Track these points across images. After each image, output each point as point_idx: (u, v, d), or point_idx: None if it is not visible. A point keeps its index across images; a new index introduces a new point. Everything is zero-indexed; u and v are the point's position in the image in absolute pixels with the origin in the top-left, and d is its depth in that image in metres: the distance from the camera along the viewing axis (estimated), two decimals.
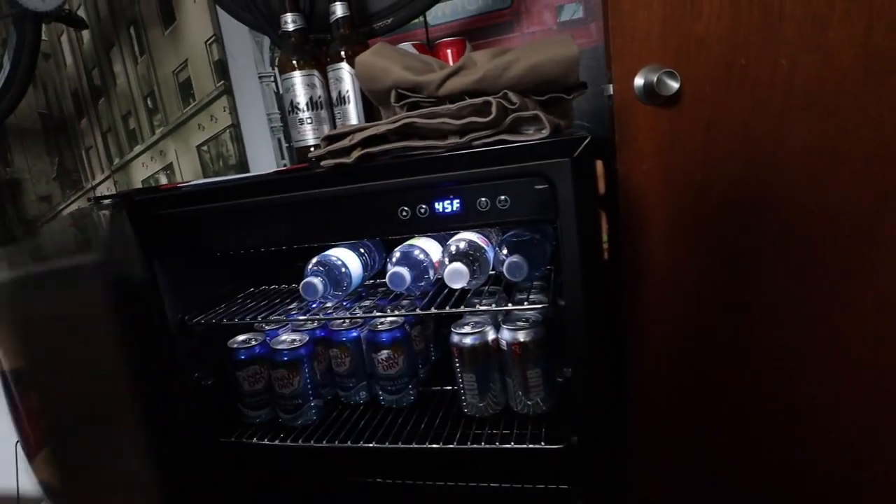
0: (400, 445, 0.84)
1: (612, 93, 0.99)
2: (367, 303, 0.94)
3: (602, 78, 1.14)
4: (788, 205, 0.99)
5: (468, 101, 0.65)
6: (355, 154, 0.70)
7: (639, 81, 0.97)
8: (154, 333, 0.84)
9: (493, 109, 0.63)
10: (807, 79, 0.95)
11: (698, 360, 1.09)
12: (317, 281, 0.81)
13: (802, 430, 1.08)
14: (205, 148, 1.44)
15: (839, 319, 1.00)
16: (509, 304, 0.78)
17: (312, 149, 0.96)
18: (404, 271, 0.78)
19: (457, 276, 0.74)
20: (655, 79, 0.92)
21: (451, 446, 0.82)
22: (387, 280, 0.78)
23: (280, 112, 1.35)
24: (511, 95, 0.65)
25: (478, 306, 0.79)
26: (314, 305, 0.92)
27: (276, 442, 0.90)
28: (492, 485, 0.97)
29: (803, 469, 1.10)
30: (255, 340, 0.94)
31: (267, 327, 1.01)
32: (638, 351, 1.11)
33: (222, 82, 1.38)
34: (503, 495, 0.96)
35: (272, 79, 1.34)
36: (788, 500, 1.12)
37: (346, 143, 0.70)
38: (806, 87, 0.95)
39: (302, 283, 0.81)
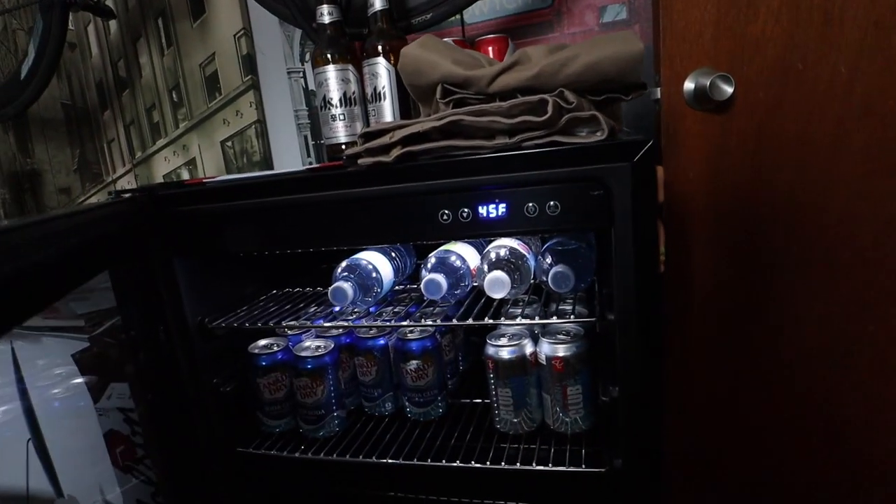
0: (428, 463, 0.80)
1: (659, 97, 0.94)
2: (395, 309, 0.89)
3: (648, 82, 1.09)
4: (839, 219, 0.94)
5: (521, 98, 0.60)
6: (395, 152, 0.66)
7: (689, 85, 0.92)
8: (172, 335, 0.80)
9: (550, 109, 0.59)
10: (866, 86, 0.90)
11: (736, 380, 1.04)
12: (347, 286, 0.76)
13: (840, 454, 1.02)
14: (229, 143, 1.41)
15: (885, 336, 0.95)
16: (554, 318, 0.73)
17: (344, 146, 0.92)
18: (441, 278, 0.73)
19: (498, 284, 0.70)
20: (708, 83, 0.87)
21: (482, 466, 0.77)
22: (422, 287, 0.74)
23: (307, 109, 1.32)
24: (568, 94, 0.61)
25: (519, 318, 0.75)
26: (335, 310, 0.88)
27: (297, 454, 0.86)
28: None
29: (838, 492, 1.04)
30: (278, 346, 0.90)
31: (290, 332, 0.97)
32: (677, 369, 1.06)
33: (250, 77, 1.34)
34: None
35: (301, 74, 1.30)
36: None
37: (386, 140, 0.66)
38: (865, 94, 0.90)
39: (331, 287, 0.77)
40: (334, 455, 0.84)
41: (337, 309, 0.88)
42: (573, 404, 0.78)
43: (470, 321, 0.76)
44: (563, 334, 0.78)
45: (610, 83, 0.63)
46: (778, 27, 0.91)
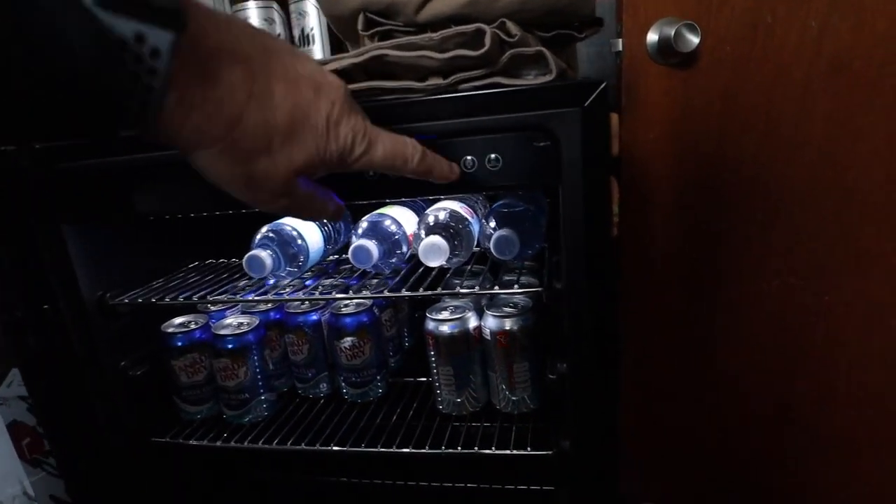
0: (363, 448, 0.72)
1: (620, 49, 0.86)
2: (334, 281, 0.80)
3: (608, 33, 1.01)
4: (803, 185, 0.89)
5: (455, 28, 0.51)
6: None
7: (653, 36, 0.84)
8: (64, 315, 0.69)
9: (487, 41, 0.50)
10: (836, 44, 0.84)
11: (695, 353, 1.00)
12: (264, 255, 0.67)
13: (797, 428, 1.00)
14: None
15: (844, 307, 0.92)
16: (496, 287, 0.66)
17: None
18: (371, 245, 0.65)
19: (433, 251, 0.61)
20: (673, 32, 0.80)
21: (421, 451, 0.70)
22: (349, 255, 0.65)
23: None
24: (510, 26, 0.52)
25: (458, 288, 0.67)
26: (269, 283, 0.79)
27: (219, 443, 0.77)
28: (469, 485, 0.86)
29: (795, 468, 1.03)
30: (196, 324, 0.80)
31: (212, 308, 0.87)
32: (631, 342, 1.01)
33: None
34: (481, 496, 0.85)
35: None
36: (781, 497, 1.05)
37: None
38: (834, 53, 0.84)
39: (246, 256, 0.67)
40: (260, 443, 0.76)
41: (271, 282, 0.78)
42: (520, 382, 0.71)
43: (404, 292, 0.68)
44: (510, 307, 0.71)
45: (559, 14, 0.54)
46: None
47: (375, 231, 0.68)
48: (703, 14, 0.83)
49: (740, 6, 0.84)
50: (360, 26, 0.56)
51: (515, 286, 0.66)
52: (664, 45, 0.82)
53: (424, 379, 0.88)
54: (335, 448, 0.73)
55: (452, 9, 0.52)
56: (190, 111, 0.27)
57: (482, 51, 0.50)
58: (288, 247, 0.71)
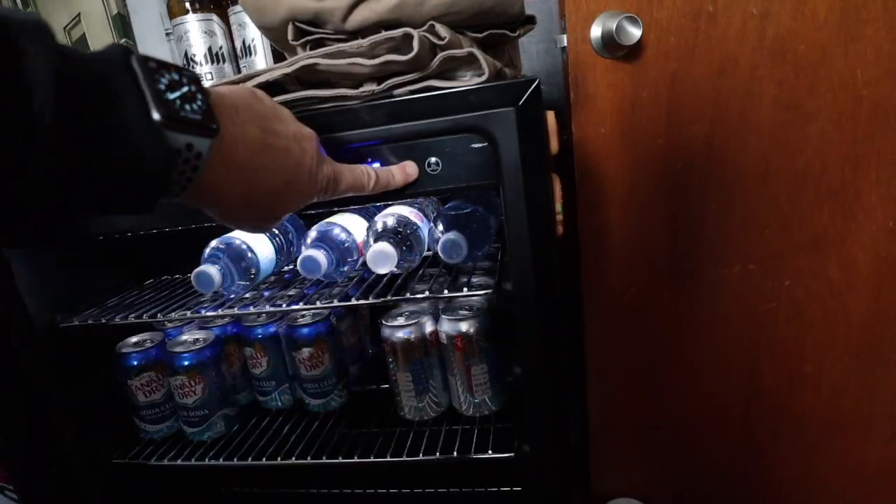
0: (324, 460, 0.71)
1: (565, 44, 0.86)
2: (290, 292, 0.79)
3: (555, 31, 1.01)
4: (755, 170, 0.91)
5: (383, 34, 0.51)
6: None
7: (596, 30, 0.85)
8: (11, 341, 0.67)
9: (416, 45, 0.49)
10: (778, 30, 0.85)
11: (659, 344, 1.01)
12: (213, 270, 0.66)
13: (766, 412, 1.02)
14: None
15: (803, 290, 0.94)
16: (446, 291, 0.65)
17: None
18: (319, 255, 0.64)
19: (381, 258, 0.61)
20: (615, 25, 0.80)
21: (382, 459, 0.70)
22: (298, 266, 0.64)
23: None
24: (439, 28, 0.51)
25: (410, 294, 0.66)
26: (230, 297, 0.77)
27: (179, 462, 0.75)
28: (438, 490, 0.86)
29: (765, 452, 1.04)
30: (151, 342, 0.79)
31: (170, 325, 0.85)
32: (595, 337, 1.02)
33: (124, 39, 1.18)
34: (450, 499, 0.85)
35: (169, 27, 1.15)
36: (746, 485, 1.07)
37: None
38: (777, 39, 0.85)
39: (194, 272, 0.66)
40: (220, 459, 0.75)
41: (232, 296, 0.77)
42: (479, 385, 0.71)
43: (353, 301, 0.67)
44: (465, 310, 0.71)
45: (488, 15, 0.54)
46: None
47: (324, 240, 0.67)
48: (645, 5, 0.84)
49: None
50: (289, 36, 0.55)
51: (466, 289, 0.65)
52: (608, 38, 0.82)
53: (387, 386, 0.87)
54: (297, 461, 0.72)
55: (379, 14, 0.51)
56: (216, 184, 0.36)
57: (411, 55, 0.50)
58: (239, 260, 0.70)
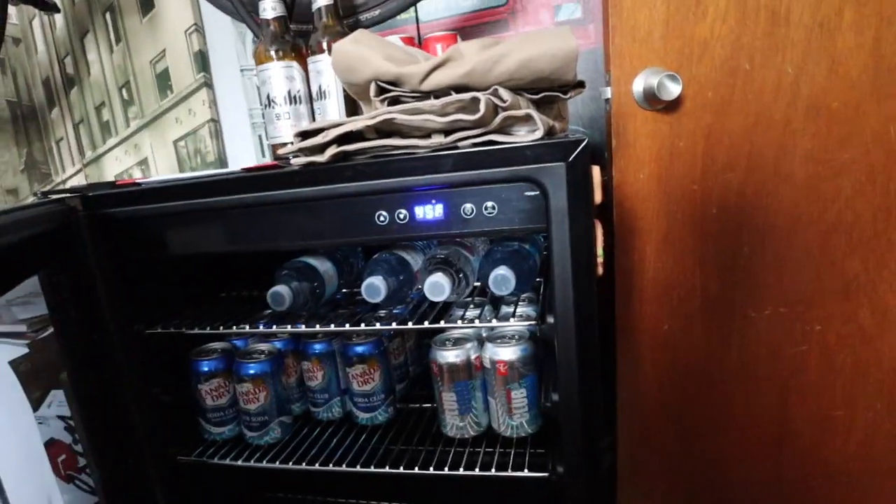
0: (372, 469, 0.78)
1: (609, 96, 0.93)
2: (344, 312, 0.87)
3: (600, 82, 1.08)
4: (787, 218, 0.95)
5: (454, 96, 0.59)
6: (329, 152, 0.64)
7: (638, 85, 0.92)
8: (106, 343, 0.77)
9: (482, 107, 0.57)
10: (812, 87, 0.90)
11: (688, 382, 1.04)
12: (283, 290, 0.74)
13: (795, 456, 1.03)
14: (182, 143, 1.37)
15: (834, 336, 0.96)
16: (493, 320, 0.72)
17: (289, 146, 0.89)
18: (379, 282, 0.71)
19: (437, 288, 0.68)
20: (656, 82, 0.87)
21: (427, 472, 0.76)
22: (362, 290, 0.72)
23: (262, 109, 1.29)
24: (502, 92, 0.59)
25: (459, 321, 0.73)
26: (301, 314, 0.85)
27: (240, 462, 0.83)
28: None
29: (794, 496, 1.05)
30: (220, 351, 0.87)
31: (233, 338, 0.94)
32: (627, 372, 1.06)
33: (202, 74, 1.31)
34: None
35: (254, 72, 1.27)
36: None
37: (319, 139, 0.64)
38: (811, 95, 0.91)
39: (270, 291, 0.74)
40: (277, 462, 0.82)
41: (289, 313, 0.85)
42: (518, 408, 0.76)
43: (410, 325, 0.74)
44: (508, 338, 0.77)
45: (547, 80, 0.61)
46: (725, 27, 0.91)
47: (384, 269, 0.75)
48: (685, 63, 0.90)
49: (719, 55, 0.91)
50: (371, 93, 0.64)
51: (512, 319, 0.72)
52: (649, 93, 0.89)
53: (429, 405, 0.93)
54: (346, 469, 0.79)
55: (452, 79, 0.59)
56: None
57: (478, 115, 0.58)
58: (305, 282, 0.78)
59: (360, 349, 0.84)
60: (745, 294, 0.98)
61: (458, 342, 0.79)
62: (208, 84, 1.30)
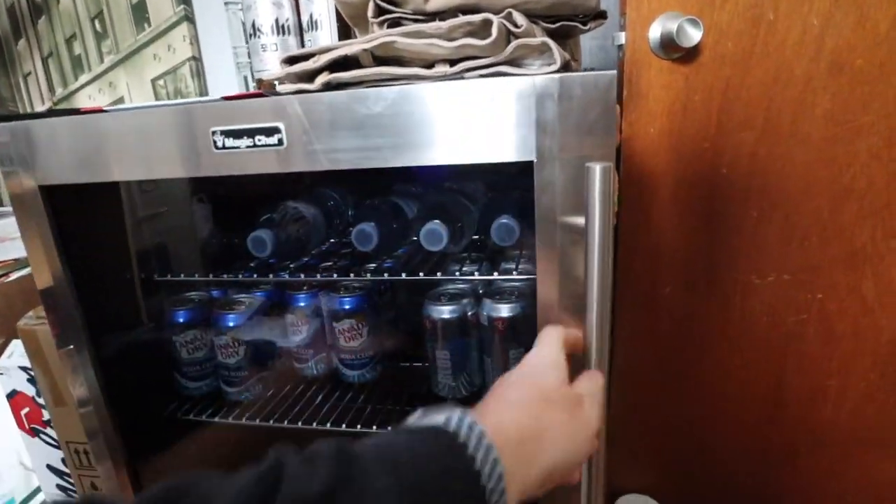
0: (359, 429, 0.74)
1: (623, 42, 0.87)
2: (336, 263, 0.81)
3: (612, 27, 1.02)
4: (800, 181, 0.91)
5: (462, 18, 0.52)
6: (320, 80, 0.57)
7: (655, 30, 0.85)
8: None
9: (494, 31, 0.51)
10: (838, 42, 0.85)
11: (687, 347, 1.02)
12: (265, 235, 0.68)
13: (788, 424, 1.03)
14: (161, 82, 1.27)
15: (835, 305, 0.94)
16: (494, 273, 0.67)
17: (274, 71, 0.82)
18: (371, 228, 0.66)
19: (434, 236, 0.63)
20: (676, 27, 0.80)
21: None
22: (352, 237, 0.66)
23: (248, 46, 1.20)
24: (516, 16, 0.53)
25: (457, 274, 0.68)
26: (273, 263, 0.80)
27: (217, 419, 0.78)
28: None
29: (785, 463, 1.05)
30: (197, 302, 0.81)
31: (218, 287, 0.88)
32: (625, 335, 1.03)
33: (182, 7, 1.21)
34: None
35: (239, 6, 1.18)
36: (761, 497, 1.08)
37: (309, 64, 0.57)
38: (835, 51, 0.85)
39: (250, 236, 0.68)
40: (257, 420, 0.78)
41: (272, 262, 0.79)
42: None
43: (403, 276, 0.69)
44: (508, 293, 0.72)
45: (564, 6, 0.55)
46: None
47: (378, 216, 0.69)
48: (706, 9, 0.84)
49: (743, 2, 0.85)
50: (370, 13, 0.57)
51: (514, 273, 0.67)
52: (666, 39, 0.83)
53: (419, 364, 0.89)
54: (331, 428, 0.75)
55: None
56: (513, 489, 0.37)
57: (489, 40, 0.51)
58: (292, 227, 0.72)
59: (348, 303, 0.79)
60: (750, 259, 0.95)
61: (453, 298, 0.74)
62: (189, 18, 1.21)
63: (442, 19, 0.54)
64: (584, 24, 0.59)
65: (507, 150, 0.51)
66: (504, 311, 0.71)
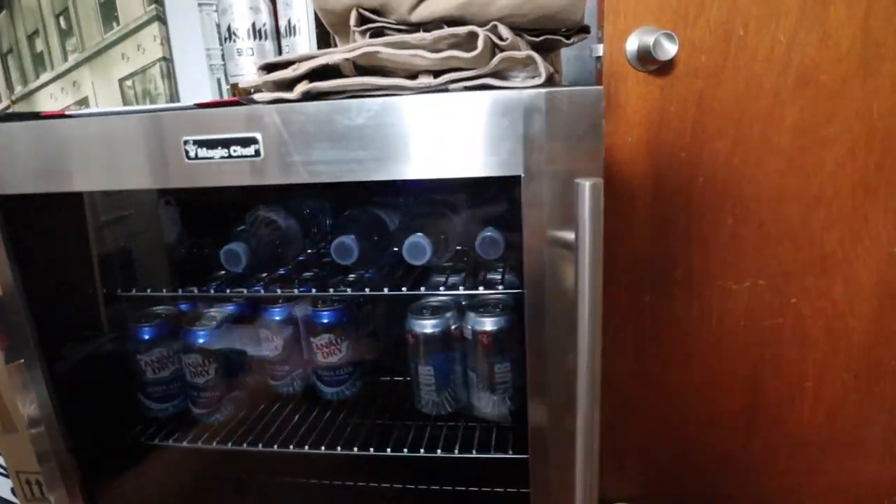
0: (339, 451, 0.71)
1: (601, 54, 0.88)
2: (310, 275, 0.78)
3: (590, 39, 1.03)
4: (772, 190, 0.93)
5: (447, 30, 0.51)
6: (300, 88, 0.55)
7: (632, 44, 0.86)
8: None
9: (480, 44, 0.50)
10: (803, 58, 0.88)
11: (663, 352, 1.03)
12: (239, 248, 0.65)
13: (765, 427, 1.05)
14: (129, 82, 1.21)
15: (809, 309, 0.97)
16: (481, 288, 0.66)
17: (250, 78, 0.79)
18: (351, 241, 0.64)
19: (417, 250, 0.61)
20: (652, 41, 0.82)
21: (400, 454, 0.70)
22: (331, 250, 0.64)
23: (222, 48, 1.15)
24: (501, 29, 0.52)
25: (442, 288, 0.67)
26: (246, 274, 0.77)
27: (184, 444, 0.74)
28: (444, 487, 0.86)
29: (763, 466, 1.07)
30: (164, 317, 0.78)
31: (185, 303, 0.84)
32: (607, 345, 1.03)
33: (154, 6, 1.16)
34: (459, 498, 0.86)
35: (214, 8, 1.13)
36: (743, 499, 1.10)
37: (289, 72, 0.55)
38: (801, 66, 0.88)
39: (223, 249, 0.65)
40: (229, 444, 0.74)
41: (245, 274, 0.76)
42: (501, 383, 0.71)
43: (386, 291, 0.67)
44: (492, 307, 0.71)
45: (549, 20, 0.55)
46: None
47: (358, 227, 0.67)
48: (680, 24, 0.86)
49: (714, 18, 0.87)
50: (352, 22, 0.55)
51: (500, 286, 0.66)
52: (643, 52, 0.84)
53: (400, 378, 0.87)
54: (309, 451, 0.72)
55: (446, 10, 0.52)
56: None
57: (475, 53, 0.50)
58: (268, 239, 0.69)
59: (326, 317, 0.76)
60: (727, 265, 0.97)
61: (436, 311, 0.73)
62: (161, 18, 1.16)
63: (426, 30, 0.53)
64: (568, 37, 0.59)
65: (494, 165, 0.50)
66: (488, 324, 0.70)
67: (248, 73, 0.80)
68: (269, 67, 0.59)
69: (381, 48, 0.53)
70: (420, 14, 0.53)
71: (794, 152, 0.91)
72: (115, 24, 1.19)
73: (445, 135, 0.50)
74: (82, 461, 0.69)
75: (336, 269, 0.71)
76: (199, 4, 1.14)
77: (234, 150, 0.52)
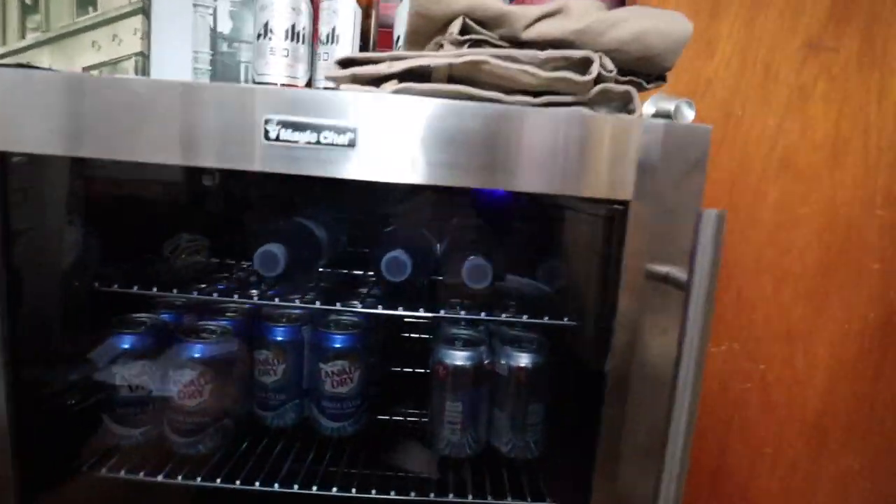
0: (354, 494, 0.62)
1: None
2: (318, 289, 0.71)
3: None
4: (752, 260, 1.01)
5: (560, 52, 0.51)
6: (389, 87, 0.52)
7: (649, 108, 0.92)
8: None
9: (595, 70, 0.50)
10: (787, 143, 0.98)
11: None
12: (277, 250, 0.58)
13: (727, 492, 1.08)
14: (95, 72, 1.09)
15: (773, 375, 1.03)
16: (525, 316, 0.63)
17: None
18: (404, 257, 0.59)
19: (480, 273, 0.58)
20: (673, 107, 0.87)
21: (421, 498, 0.63)
22: (382, 266, 0.59)
23: (211, 53, 1.08)
24: (607, 61, 0.53)
25: (483, 314, 0.63)
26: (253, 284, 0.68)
27: (159, 478, 0.62)
28: None
29: None
30: (148, 325, 0.66)
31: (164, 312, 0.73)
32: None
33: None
34: None
35: (211, 11, 1.06)
36: None
37: (382, 68, 0.52)
38: (785, 149, 0.99)
39: (260, 250, 0.58)
40: (217, 481, 0.63)
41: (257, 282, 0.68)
42: (532, 425, 0.67)
43: (421, 311, 0.62)
44: (528, 342, 0.69)
45: (646, 62, 0.57)
46: (728, 71, 0.96)
47: (410, 244, 0.63)
48: (690, 96, 0.93)
49: (719, 96, 0.95)
50: (454, 29, 0.53)
51: (546, 317, 0.64)
52: (662, 116, 0.89)
53: (400, 418, 0.80)
54: (318, 492, 0.63)
55: (562, 33, 0.52)
56: None
57: (588, 77, 0.50)
58: (302, 246, 0.62)
59: (341, 340, 0.69)
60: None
61: (468, 342, 0.68)
62: (146, 12, 1.06)
63: (536, 49, 0.52)
64: (648, 82, 0.61)
65: (603, 186, 0.49)
66: (525, 360, 0.67)
67: (274, 72, 0.75)
68: (346, 63, 0.56)
69: (490, 59, 0.51)
70: (533, 32, 0.52)
71: (773, 228, 1.00)
72: (91, 8, 1.08)
73: (557, 150, 0.49)
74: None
75: (387, 285, 0.66)
76: (195, 5, 1.07)
77: (325, 137, 0.47)
